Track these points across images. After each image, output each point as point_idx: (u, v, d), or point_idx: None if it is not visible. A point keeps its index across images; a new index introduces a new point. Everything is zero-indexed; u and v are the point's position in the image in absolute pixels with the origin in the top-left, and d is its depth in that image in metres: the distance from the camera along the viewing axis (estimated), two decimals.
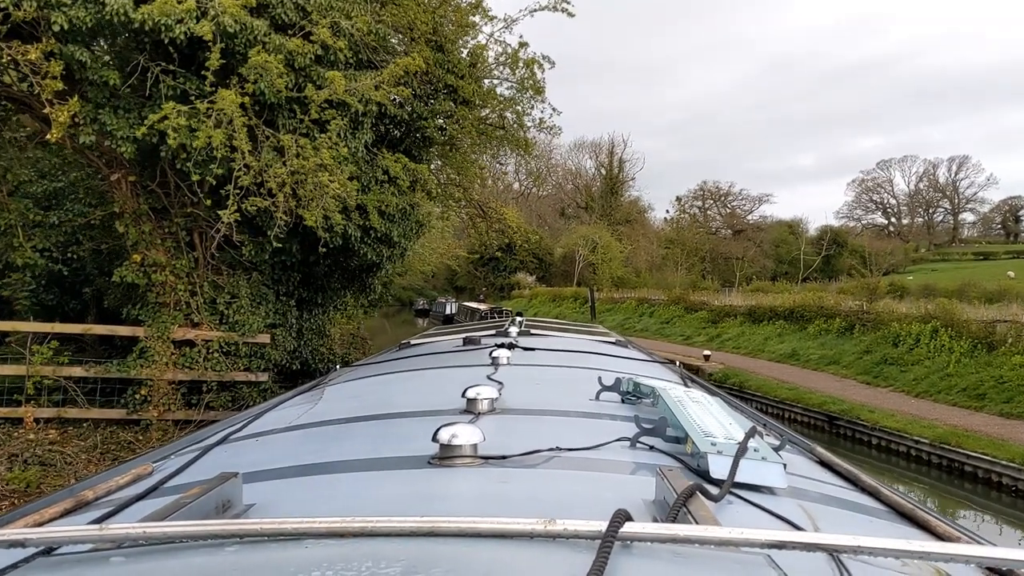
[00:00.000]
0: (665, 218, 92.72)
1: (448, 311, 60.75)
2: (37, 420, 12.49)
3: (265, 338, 13.83)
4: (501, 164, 17.52)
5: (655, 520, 2.02)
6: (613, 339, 9.33)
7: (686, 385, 5.08)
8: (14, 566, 1.65)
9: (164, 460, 3.58)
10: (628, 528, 1.52)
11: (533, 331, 8.82)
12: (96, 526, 1.69)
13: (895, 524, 2.67)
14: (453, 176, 18.24)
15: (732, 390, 25.67)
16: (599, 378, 4.50)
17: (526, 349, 6.79)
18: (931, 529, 2.54)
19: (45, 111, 10.78)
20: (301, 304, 15.90)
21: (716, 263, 79.42)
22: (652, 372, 6.18)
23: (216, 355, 13.39)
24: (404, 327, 51.82)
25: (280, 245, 12.77)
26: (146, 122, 10.69)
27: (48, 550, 1.69)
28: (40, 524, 2.39)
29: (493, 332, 8.56)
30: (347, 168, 12.29)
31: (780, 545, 1.50)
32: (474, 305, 54.42)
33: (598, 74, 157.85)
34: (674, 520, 1.84)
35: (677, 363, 8.03)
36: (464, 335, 8.25)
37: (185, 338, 13.33)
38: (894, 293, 38.69)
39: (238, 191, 11.20)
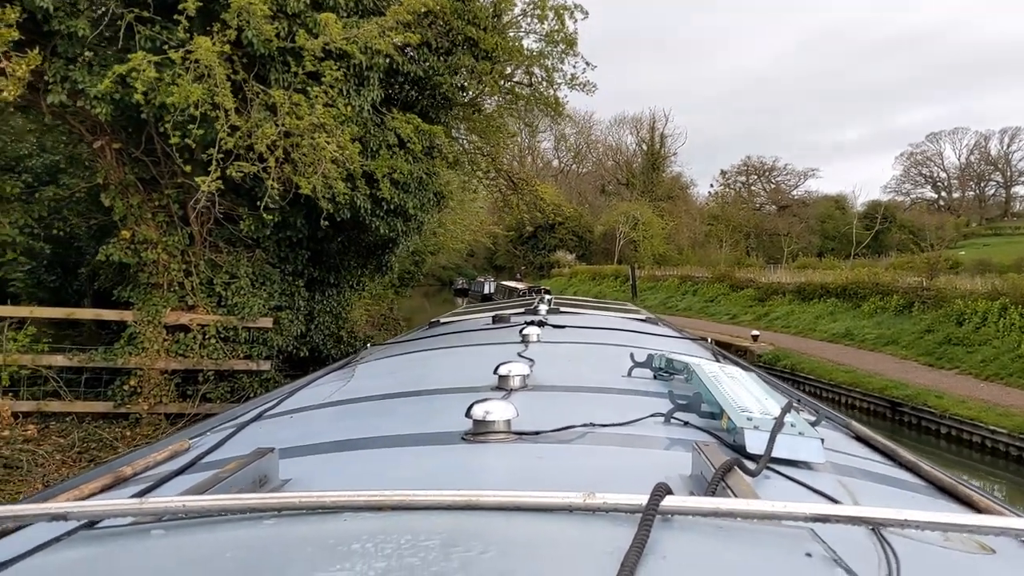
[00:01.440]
0: (709, 192, 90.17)
1: (486, 290, 59.32)
2: (16, 415, 11.11)
3: (267, 322, 12.32)
4: (533, 132, 15.65)
5: (692, 495, 1.94)
6: (643, 316, 9.19)
7: (718, 361, 4.99)
8: (57, 539, 1.65)
9: (200, 437, 3.58)
10: (669, 502, 1.52)
11: (562, 309, 8.67)
12: (137, 500, 1.69)
13: (936, 499, 2.63)
14: (477, 143, 16.54)
15: (783, 373, 23.83)
16: (631, 354, 4.47)
17: (556, 327, 6.68)
18: (974, 504, 2.46)
19: (1, 65, 9.30)
20: (312, 285, 14.38)
21: (760, 240, 76.95)
22: (683, 348, 6.10)
23: (213, 341, 11.92)
24: (444, 307, 50.45)
25: (278, 219, 11.28)
26: (109, 74, 9.14)
27: (90, 524, 1.70)
28: (80, 499, 2.38)
29: (522, 310, 8.44)
30: (350, 129, 10.68)
31: (824, 519, 1.49)
32: (512, 284, 52.69)
33: (637, 51, 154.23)
34: (713, 495, 1.79)
35: (709, 340, 7.99)
36: (493, 313, 8.13)
37: (179, 323, 11.87)
38: (949, 269, 36.35)
39: (221, 155, 9.66)
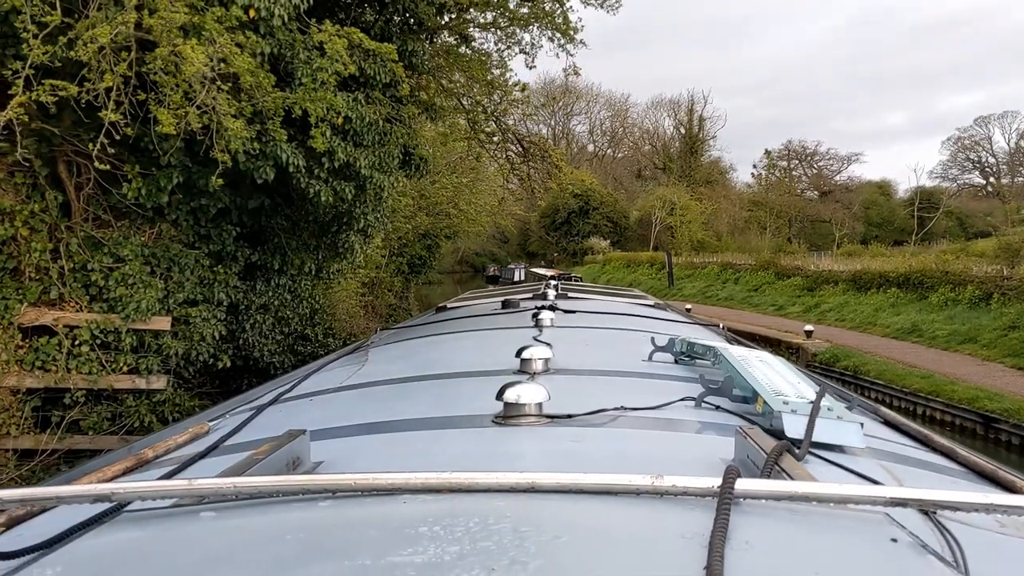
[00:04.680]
0: (752, 174, 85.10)
1: (517, 277, 55.94)
2: None
3: (164, 323, 8.76)
4: (531, 55, 11.87)
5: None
6: (651, 302, 9.04)
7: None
8: (100, 520, 1.61)
9: (219, 419, 3.53)
10: (742, 485, 1.45)
11: (570, 294, 8.54)
12: (185, 481, 1.61)
13: (979, 484, 2.53)
14: (477, 95, 12.79)
15: (844, 376, 19.88)
16: (652, 339, 4.39)
17: (566, 311, 6.53)
18: (1019, 490, 2.38)
19: None
20: (252, 272, 10.80)
21: (802, 226, 72.42)
22: (697, 334, 5.75)
23: (86, 349, 8.38)
24: None
25: (179, 179, 7.80)
26: None
27: (119, 506, 1.64)
28: (103, 482, 2.30)
29: (530, 295, 8.30)
30: (252, 40, 7.05)
31: (902, 503, 1.44)
32: (542, 271, 49.27)
33: (673, 34, 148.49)
34: (768, 479, 1.75)
35: (721, 325, 7.71)
36: (502, 298, 7.99)
37: (38, 323, 8.36)
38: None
39: (33, 70, 6.09)
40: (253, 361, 10.33)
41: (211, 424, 3.31)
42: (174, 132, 6.59)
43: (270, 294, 11.00)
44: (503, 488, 1.51)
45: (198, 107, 6.66)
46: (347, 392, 3.80)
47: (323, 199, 8.82)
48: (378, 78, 8.79)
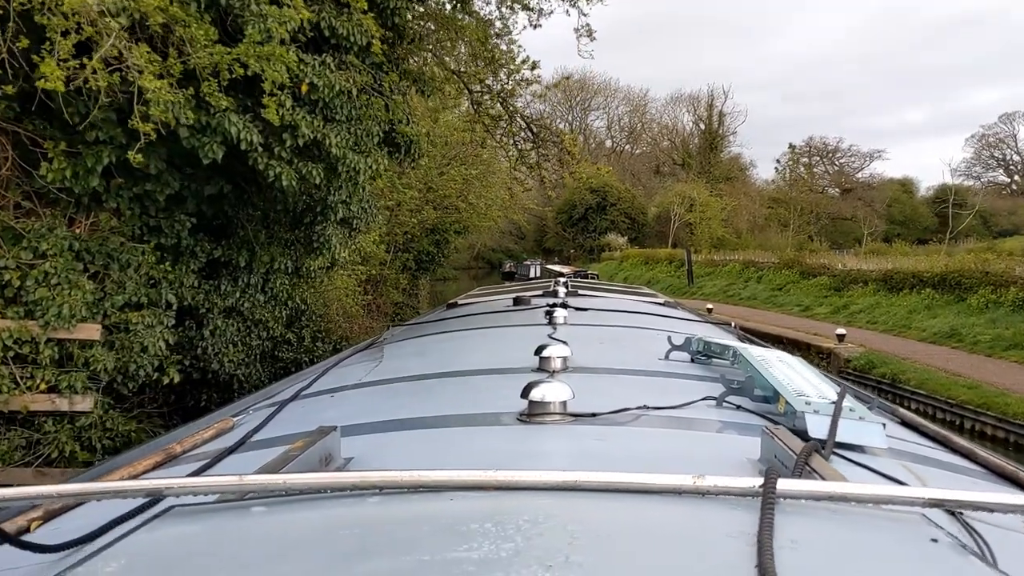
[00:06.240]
0: (776, 169, 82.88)
1: (532, 274, 54.49)
2: None
3: (92, 331, 7.20)
4: (537, 19, 10.25)
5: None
6: (661, 300, 8.98)
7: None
8: (140, 512, 1.62)
9: (241, 415, 3.54)
10: (783, 485, 1.45)
11: (580, 291, 8.44)
12: (235, 476, 1.59)
13: (1000, 485, 2.54)
14: (480, 73, 11.17)
15: (881, 384, 18.16)
16: (668, 337, 4.35)
17: (578, 309, 6.39)
18: None
19: None
20: (216, 270, 9.22)
21: (823, 224, 70.40)
22: (710, 333, 5.64)
23: None
24: None
25: (110, 158, 6.29)
26: None
27: (155, 500, 1.65)
28: (135, 476, 2.38)
29: (541, 292, 8.17)
30: None
31: (938, 503, 1.43)
32: (558, 268, 47.77)
33: (696, 29, 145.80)
34: (799, 479, 1.75)
35: (732, 324, 7.68)
36: (513, 295, 7.83)
37: None
38: None
39: None
40: (212, 374, 8.75)
41: (234, 420, 3.31)
42: (63, 89, 5.05)
43: (238, 295, 9.41)
44: (548, 486, 1.50)
45: (105, 61, 5.11)
46: (367, 388, 3.78)
47: (284, 183, 7.21)
48: (352, 39, 7.20)
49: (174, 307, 8.15)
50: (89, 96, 5.80)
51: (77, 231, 7.66)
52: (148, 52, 5.35)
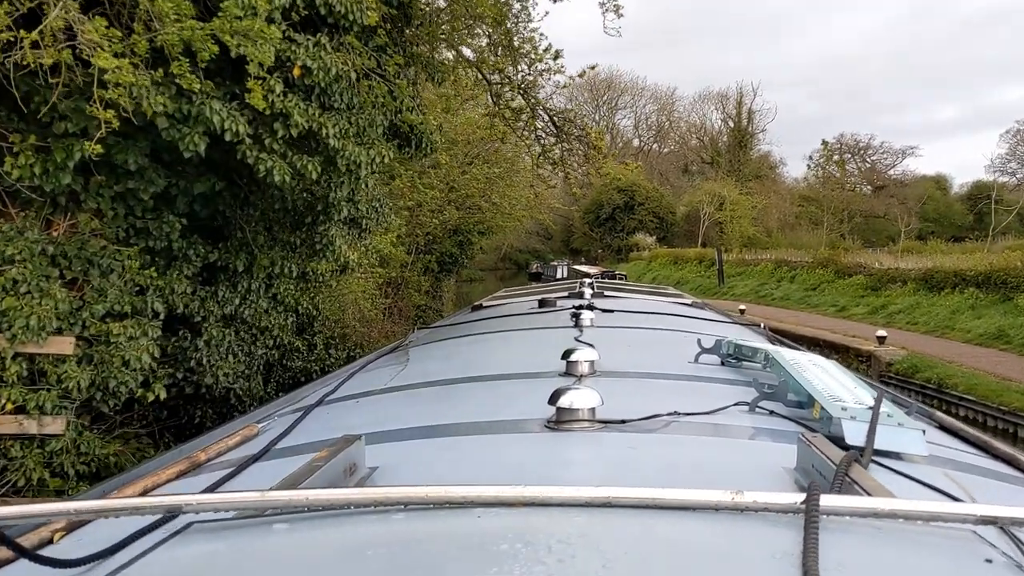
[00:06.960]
0: (808, 166, 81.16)
1: (559, 274, 53.63)
2: None
3: (64, 345, 6.49)
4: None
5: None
6: (688, 301, 8.76)
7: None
8: (159, 526, 1.58)
9: (267, 421, 3.47)
10: (826, 501, 1.36)
11: (606, 293, 8.27)
12: (257, 493, 1.55)
13: None
14: (499, 63, 10.35)
15: (925, 389, 17.10)
16: (698, 340, 4.23)
17: (604, 311, 6.17)
18: None
19: None
20: (213, 275, 8.48)
21: (854, 222, 68.86)
22: (738, 334, 5.40)
23: None
24: None
25: (86, 152, 5.57)
26: None
27: (171, 515, 1.59)
28: (158, 486, 2.37)
29: (566, 294, 8.05)
30: None
31: (993, 521, 1.34)
32: (584, 268, 46.83)
33: (723, 27, 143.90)
34: (839, 491, 1.63)
35: (762, 325, 7.52)
36: (538, 297, 7.72)
37: None
38: None
39: None
40: (206, 388, 8.01)
41: (259, 426, 3.25)
42: None
43: (238, 302, 8.66)
44: (580, 503, 1.43)
45: (53, 35, 4.37)
46: (393, 394, 3.75)
47: (277, 178, 6.44)
48: (351, 16, 6.43)
49: (162, 316, 7.43)
50: (46, 81, 5.08)
51: (54, 234, 6.96)
52: (106, 27, 4.62)
